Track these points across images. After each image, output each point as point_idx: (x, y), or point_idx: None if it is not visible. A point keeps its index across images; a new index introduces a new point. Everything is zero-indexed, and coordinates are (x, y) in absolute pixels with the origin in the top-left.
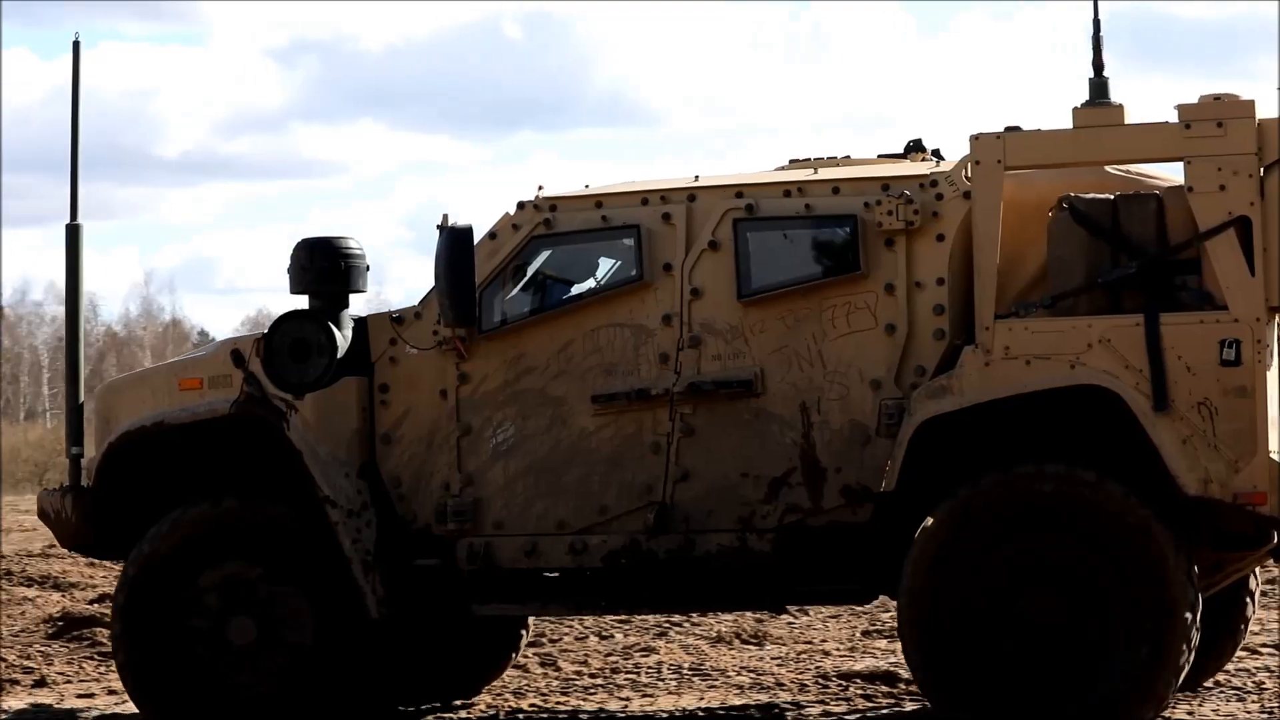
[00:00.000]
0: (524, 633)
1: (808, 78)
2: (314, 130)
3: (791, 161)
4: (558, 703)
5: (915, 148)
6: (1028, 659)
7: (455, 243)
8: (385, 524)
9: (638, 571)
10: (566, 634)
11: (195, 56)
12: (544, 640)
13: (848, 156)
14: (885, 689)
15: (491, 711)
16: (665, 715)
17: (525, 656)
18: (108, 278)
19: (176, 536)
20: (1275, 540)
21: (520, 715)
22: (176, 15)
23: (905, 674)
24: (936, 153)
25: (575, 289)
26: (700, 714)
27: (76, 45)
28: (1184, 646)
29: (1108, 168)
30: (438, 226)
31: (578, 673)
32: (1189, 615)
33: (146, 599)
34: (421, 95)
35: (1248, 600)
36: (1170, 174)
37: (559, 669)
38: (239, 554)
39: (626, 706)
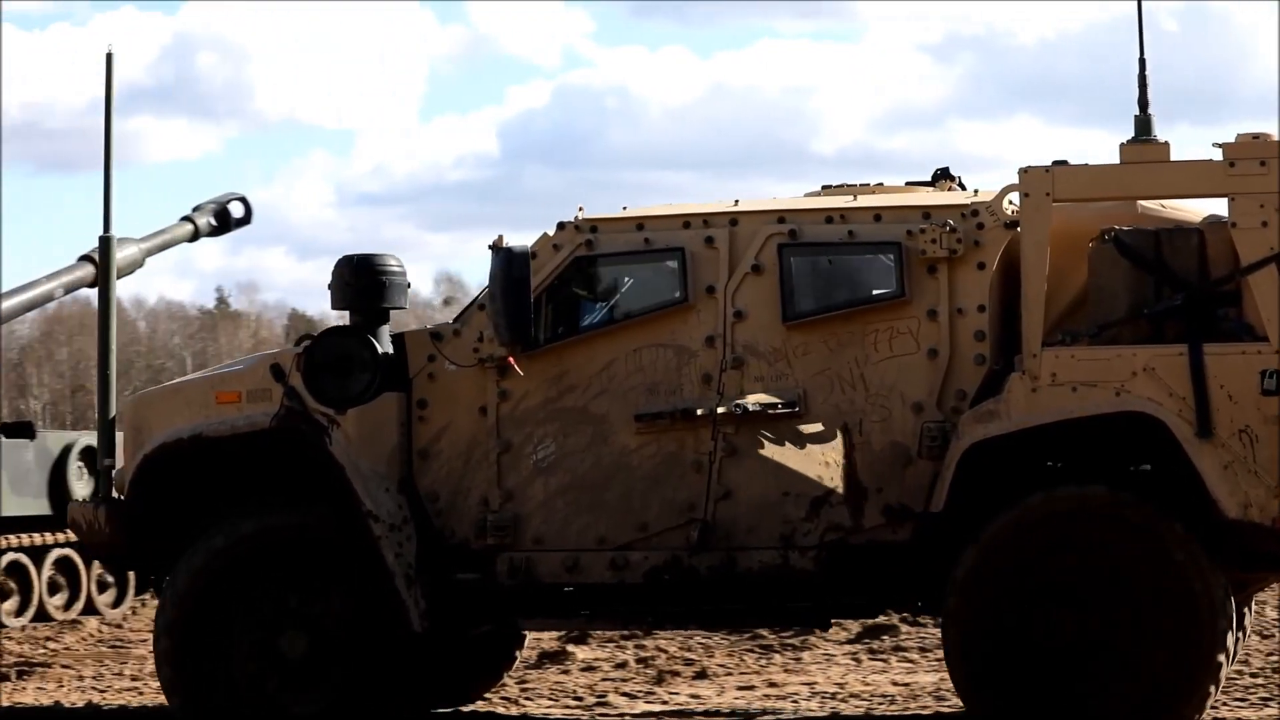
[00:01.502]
0: (520, 644)
1: None
2: (973, 126)
3: (825, 188)
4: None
5: (943, 175)
6: (1069, 677)
7: (514, 264)
8: (424, 538)
9: (680, 587)
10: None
11: (850, 53)
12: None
13: (880, 184)
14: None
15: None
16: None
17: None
18: None
19: (224, 552)
20: None
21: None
22: (832, 13)
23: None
24: (958, 180)
25: (617, 309)
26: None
27: (110, 58)
28: (1220, 663)
29: (1141, 204)
30: (491, 246)
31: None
32: (1225, 633)
33: (194, 615)
34: (1077, 89)
35: (1245, 611)
36: (1188, 209)
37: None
38: (287, 569)
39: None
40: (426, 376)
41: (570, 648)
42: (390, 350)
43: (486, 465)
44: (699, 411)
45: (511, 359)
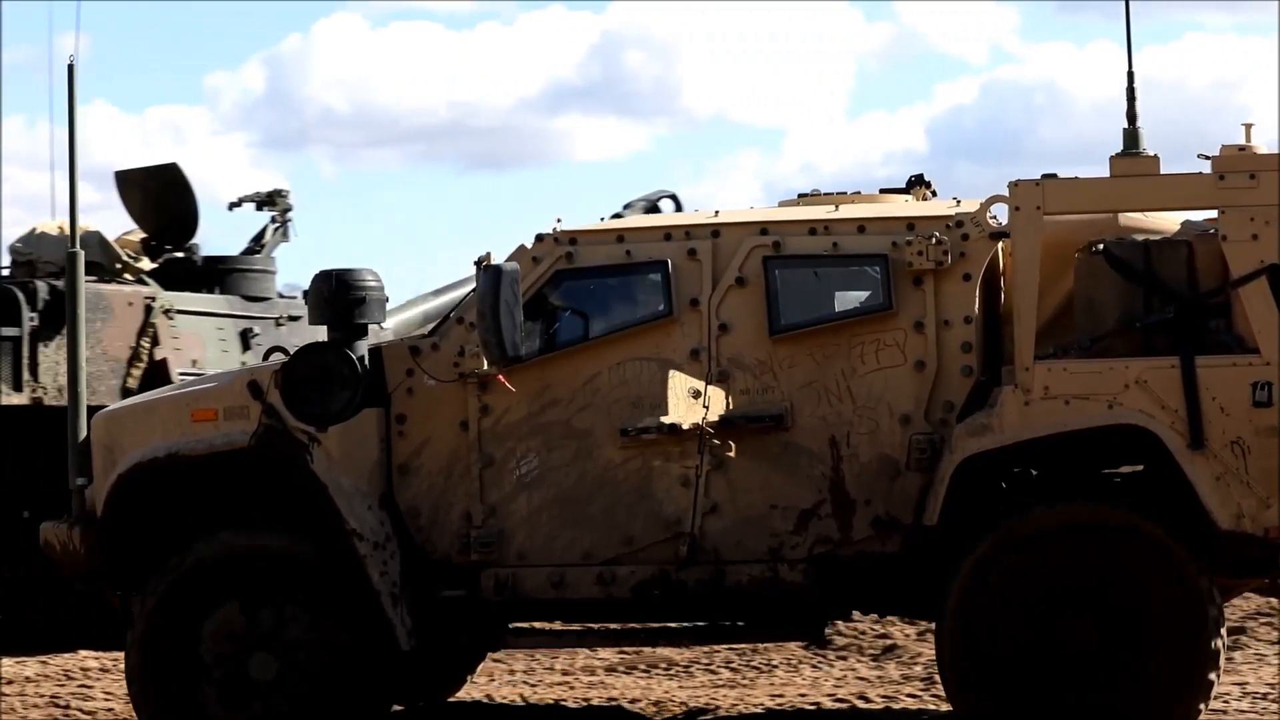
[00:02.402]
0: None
1: None
2: None
3: (801, 196)
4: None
5: (917, 182)
6: (1065, 688)
7: (504, 281)
8: (406, 555)
9: (668, 602)
10: None
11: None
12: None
13: (858, 192)
14: None
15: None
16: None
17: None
18: None
19: (193, 569)
20: None
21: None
22: (1257, 7)
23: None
24: (931, 188)
25: (599, 323)
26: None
27: (71, 69)
28: (1214, 672)
29: (1124, 215)
30: (477, 263)
31: None
32: (1218, 642)
33: (164, 633)
34: None
35: None
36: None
37: None
38: (256, 588)
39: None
40: (405, 391)
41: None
42: (368, 365)
43: (468, 480)
44: (683, 425)
45: (502, 377)
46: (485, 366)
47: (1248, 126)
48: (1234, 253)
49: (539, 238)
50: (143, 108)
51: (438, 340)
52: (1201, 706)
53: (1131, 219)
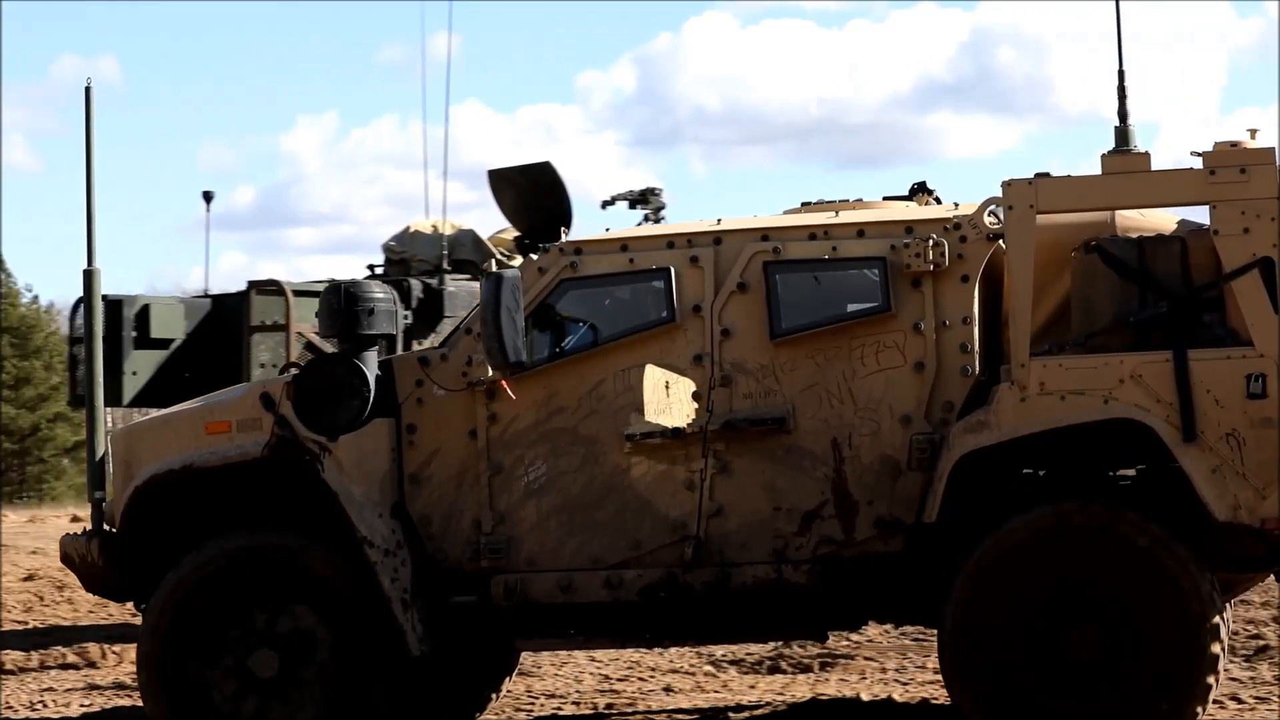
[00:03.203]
0: (514, 661)
1: None
2: None
3: (804, 204)
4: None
5: (920, 189)
6: (1064, 691)
7: (505, 288)
8: (418, 563)
9: (675, 604)
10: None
11: None
12: None
13: (860, 200)
14: None
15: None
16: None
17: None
18: None
19: (206, 566)
20: None
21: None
22: None
23: None
24: (934, 194)
25: (605, 330)
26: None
27: (88, 91)
28: (1214, 672)
29: (1121, 215)
30: (481, 272)
31: None
32: (1218, 644)
33: (175, 626)
34: None
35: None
36: (1161, 216)
37: None
38: (264, 587)
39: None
40: (415, 401)
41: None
42: (378, 376)
43: (478, 488)
44: (687, 429)
45: (505, 383)
46: (490, 373)
47: (1253, 131)
48: (1226, 247)
49: (544, 248)
50: (514, 107)
51: (446, 351)
52: (1199, 710)
53: (1129, 218)
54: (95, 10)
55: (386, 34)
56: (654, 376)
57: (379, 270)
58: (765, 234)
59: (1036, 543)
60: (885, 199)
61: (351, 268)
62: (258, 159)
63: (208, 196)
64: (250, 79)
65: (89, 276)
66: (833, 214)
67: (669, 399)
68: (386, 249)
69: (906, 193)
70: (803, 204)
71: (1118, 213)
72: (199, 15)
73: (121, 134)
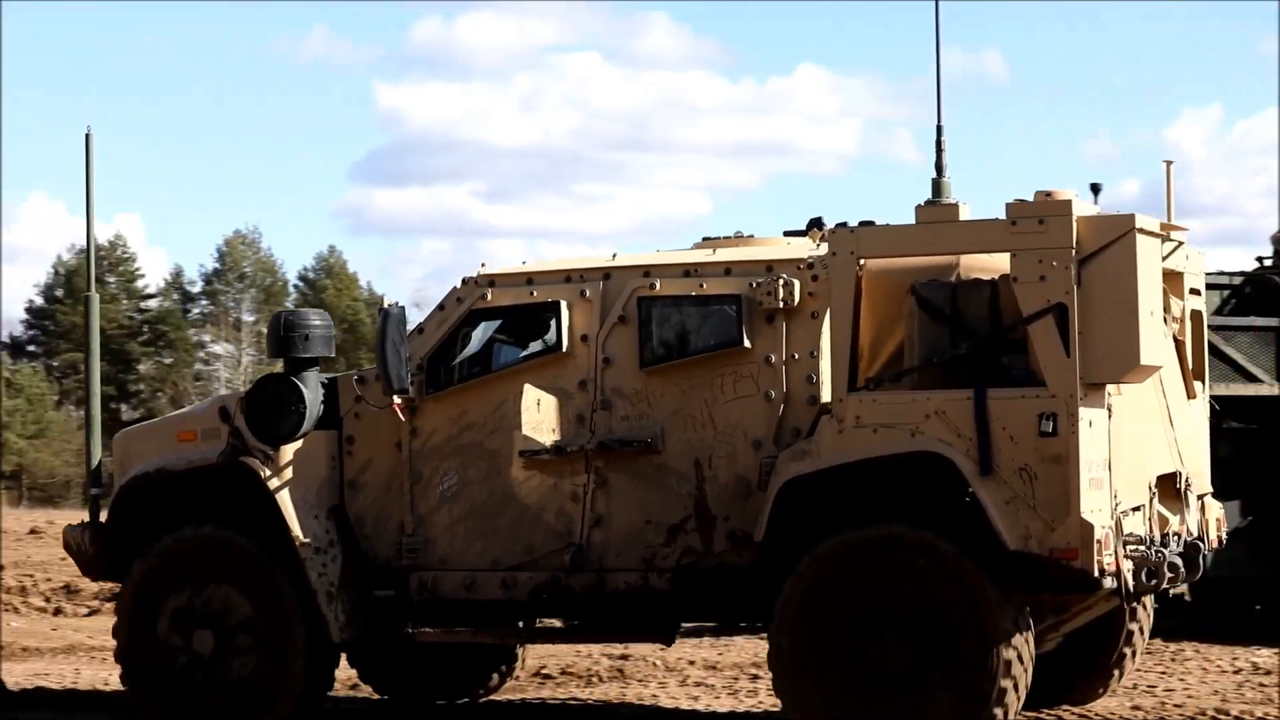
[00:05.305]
0: (519, 650)
1: None
2: None
3: (704, 239)
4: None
5: (815, 224)
6: (874, 694)
7: (390, 322)
8: (351, 559)
9: (557, 604)
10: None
11: None
12: None
13: (751, 235)
14: None
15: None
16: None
17: None
18: None
19: (158, 556)
20: (1105, 586)
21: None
22: None
23: None
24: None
25: (507, 356)
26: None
27: (88, 138)
28: (1007, 680)
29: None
30: (377, 308)
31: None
32: (1012, 654)
33: (136, 609)
34: None
35: (1127, 635)
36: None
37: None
38: (205, 574)
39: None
40: (353, 416)
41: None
42: (316, 394)
43: (402, 494)
44: (569, 448)
45: (396, 406)
46: (370, 396)
47: (1168, 164)
48: (1024, 293)
49: (463, 280)
50: None
51: (378, 371)
52: (998, 712)
53: (975, 260)
54: (978, 9)
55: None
56: (530, 397)
57: (1266, 262)
58: (647, 270)
59: (843, 562)
60: (785, 234)
61: (1238, 259)
62: (1140, 151)
63: (1095, 189)
64: (1134, 73)
65: (88, 301)
66: (711, 251)
67: (540, 418)
68: (1275, 240)
69: (804, 228)
70: (703, 239)
71: (963, 256)
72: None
73: (1005, 124)
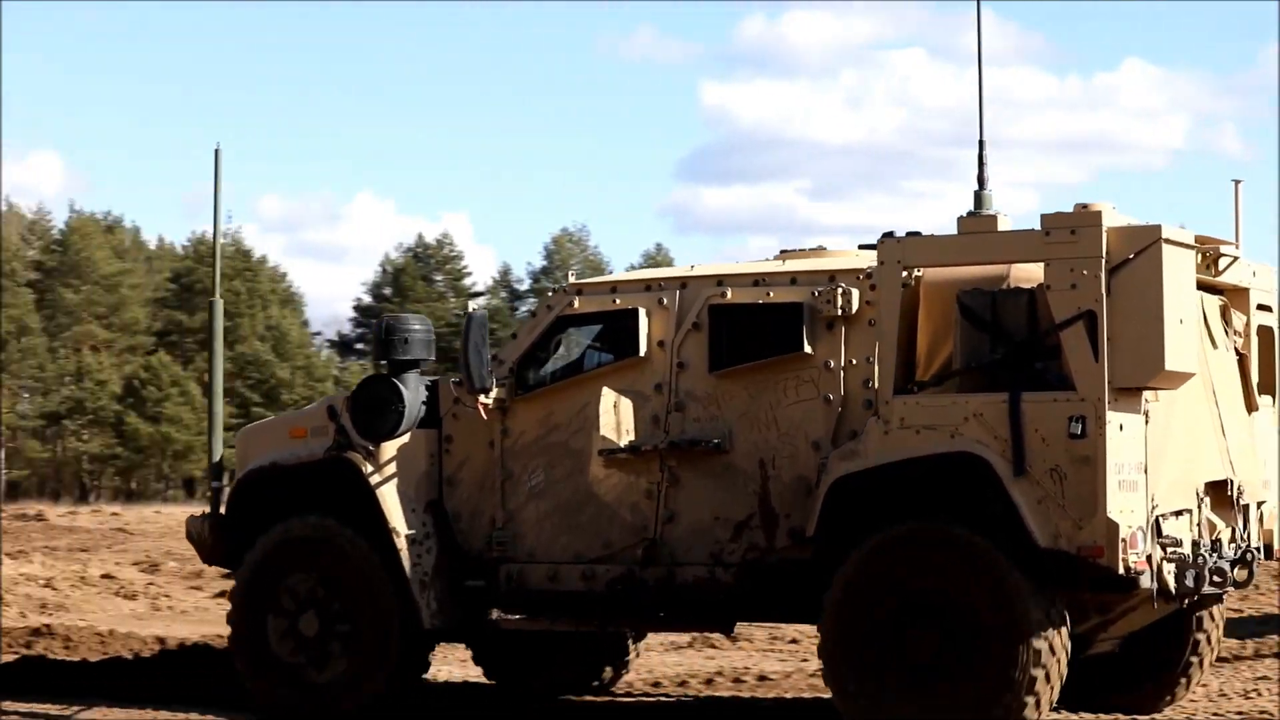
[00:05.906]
0: (631, 644)
1: None
2: None
3: (783, 252)
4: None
5: (887, 238)
6: (914, 684)
7: (474, 326)
8: (446, 551)
9: (631, 596)
10: None
11: None
12: None
13: (821, 247)
14: None
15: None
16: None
17: None
18: None
19: (272, 545)
20: (1142, 587)
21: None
22: None
23: None
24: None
25: (591, 360)
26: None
27: (217, 154)
28: (1038, 669)
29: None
30: (458, 312)
31: None
32: (1043, 644)
33: (251, 593)
34: None
35: (1194, 644)
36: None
37: None
38: (314, 562)
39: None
40: (452, 416)
41: None
42: (417, 394)
43: (494, 491)
44: (644, 448)
45: (480, 406)
46: (465, 396)
47: (1237, 183)
48: (1056, 301)
49: (554, 290)
50: None
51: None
52: (1028, 699)
53: (1024, 270)
54: None
55: None
56: (608, 399)
57: None
58: (720, 280)
59: (883, 556)
60: (861, 247)
61: None
62: None
63: None
64: None
65: (211, 306)
66: (781, 262)
67: (618, 419)
68: None
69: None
70: (782, 251)
71: (1014, 266)
72: None
73: None
